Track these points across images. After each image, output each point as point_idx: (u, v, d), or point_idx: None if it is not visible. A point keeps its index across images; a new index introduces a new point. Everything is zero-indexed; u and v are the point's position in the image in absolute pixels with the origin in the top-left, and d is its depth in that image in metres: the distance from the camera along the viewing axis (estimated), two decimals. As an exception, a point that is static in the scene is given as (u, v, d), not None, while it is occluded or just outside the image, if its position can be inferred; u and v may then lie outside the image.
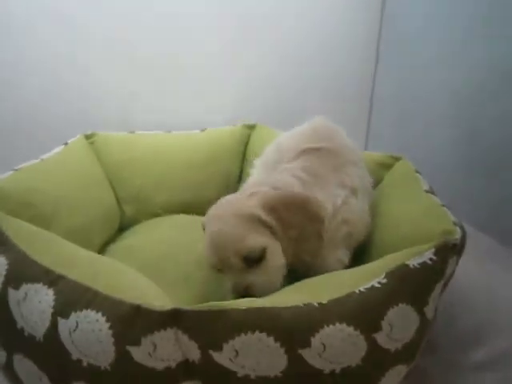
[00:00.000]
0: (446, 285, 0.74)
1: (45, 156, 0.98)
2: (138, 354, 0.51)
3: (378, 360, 0.57)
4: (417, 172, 0.95)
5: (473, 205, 1.22)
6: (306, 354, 0.52)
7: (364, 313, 0.56)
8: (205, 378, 0.54)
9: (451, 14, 1.28)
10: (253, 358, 0.51)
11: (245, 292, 0.67)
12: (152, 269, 0.78)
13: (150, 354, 0.51)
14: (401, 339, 0.58)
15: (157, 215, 1.14)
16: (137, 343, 0.51)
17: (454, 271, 0.74)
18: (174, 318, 0.51)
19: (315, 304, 0.56)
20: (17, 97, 1.31)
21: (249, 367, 0.52)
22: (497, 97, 1.16)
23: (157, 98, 1.42)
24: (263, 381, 0.53)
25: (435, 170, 1.30)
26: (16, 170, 0.87)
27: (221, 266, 0.70)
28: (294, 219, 0.71)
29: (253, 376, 0.52)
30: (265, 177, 0.90)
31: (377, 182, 1.01)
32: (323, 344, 0.53)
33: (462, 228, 0.74)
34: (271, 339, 0.51)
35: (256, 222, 0.69)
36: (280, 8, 1.44)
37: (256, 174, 0.99)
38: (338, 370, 0.54)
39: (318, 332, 0.53)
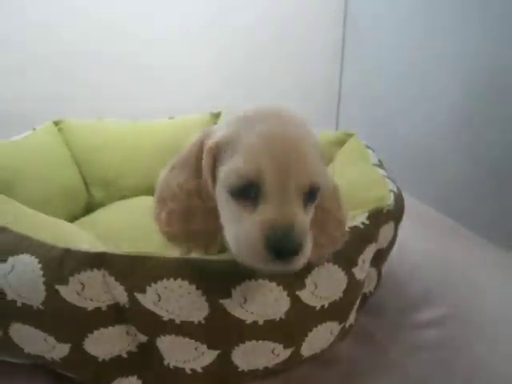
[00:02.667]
0: (385, 254, 0.78)
1: (13, 138, 1.04)
2: (67, 292, 0.55)
3: (302, 316, 0.60)
4: (367, 147, 0.99)
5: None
6: (225, 303, 0.55)
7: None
8: (136, 322, 0.58)
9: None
10: (175, 303, 0.55)
11: (298, 237, 0.47)
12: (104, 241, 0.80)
13: (78, 293, 0.55)
14: (326, 297, 0.61)
15: (125, 198, 1.19)
16: (65, 282, 0.54)
17: (394, 239, 0.78)
18: (100, 260, 0.55)
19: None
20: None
21: (171, 312, 0.55)
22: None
23: (126, 88, 1.46)
24: (188, 326, 0.56)
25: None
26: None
27: (270, 185, 0.48)
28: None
29: (177, 321, 0.56)
30: None
31: (331, 160, 1.04)
32: (244, 297, 0.56)
33: (399, 196, 0.78)
34: (193, 287, 0.55)
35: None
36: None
37: None
38: (261, 322, 0.57)
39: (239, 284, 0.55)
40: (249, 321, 0.57)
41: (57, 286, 0.55)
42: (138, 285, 0.54)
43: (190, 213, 0.55)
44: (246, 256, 0.48)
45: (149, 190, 1.20)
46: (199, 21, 1.48)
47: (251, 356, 0.59)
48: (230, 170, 0.49)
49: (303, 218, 0.49)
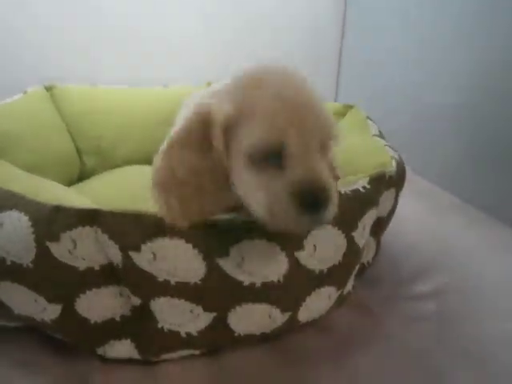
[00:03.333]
0: (386, 221, 0.77)
1: (3, 101, 1.00)
2: (58, 250, 0.53)
3: (300, 279, 0.59)
4: (368, 118, 0.97)
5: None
6: (222, 262, 0.54)
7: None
8: (129, 283, 0.56)
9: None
10: (170, 263, 0.53)
11: (327, 189, 0.48)
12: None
13: (69, 251, 0.53)
14: (325, 260, 0.60)
15: (118, 167, 1.16)
16: (56, 239, 0.52)
17: (394, 206, 0.77)
18: (93, 217, 0.53)
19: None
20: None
21: (167, 271, 0.53)
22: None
23: (122, 57, 1.42)
24: (183, 287, 0.54)
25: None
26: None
27: (292, 145, 0.48)
28: None
29: (173, 282, 0.54)
30: None
31: None
32: (242, 257, 0.54)
33: (400, 163, 0.76)
34: (189, 246, 0.53)
35: None
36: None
37: None
38: (258, 284, 0.56)
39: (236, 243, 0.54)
40: (246, 282, 0.55)
41: (47, 243, 0.52)
42: (133, 243, 0.52)
43: (204, 195, 0.52)
44: (280, 219, 0.47)
45: (142, 160, 1.18)
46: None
47: (248, 320, 0.58)
48: (252, 139, 0.48)
49: (328, 173, 0.50)
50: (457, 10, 1.16)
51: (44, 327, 0.60)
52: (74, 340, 0.61)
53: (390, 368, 0.62)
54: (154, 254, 0.53)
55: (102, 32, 1.40)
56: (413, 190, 1.04)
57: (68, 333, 0.60)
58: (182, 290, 0.55)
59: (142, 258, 0.53)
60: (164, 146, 0.54)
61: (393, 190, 0.72)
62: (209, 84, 1.34)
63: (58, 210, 0.53)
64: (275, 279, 0.56)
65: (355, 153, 0.82)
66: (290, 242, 0.56)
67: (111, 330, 0.59)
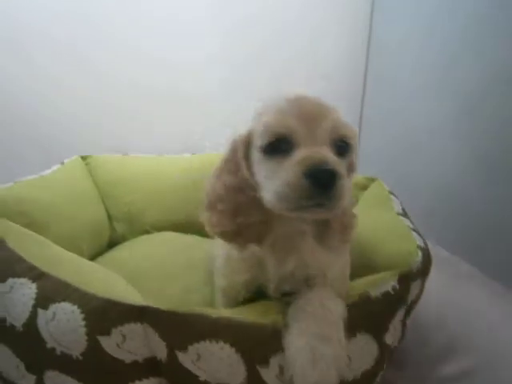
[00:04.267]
0: (410, 309, 0.77)
1: (43, 173, 1.06)
2: (108, 343, 0.55)
3: None
4: (391, 193, 0.98)
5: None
6: (262, 371, 0.55)
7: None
8: (171, 378, 0.58)
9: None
10: (213, 365, 0.55)
11: (321, 160, 0.50)
12: (134, 281, 0.78)
13: (118, 345, 0.56)
14: (360, 368, 0.60)
15: (147, 233, 1.20)
16: (107, 333, 0.55)
17: (421, 293, 0.76)
18: (144, 314, 0.56)
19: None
20: (16, 117, 1.35)
21: (209, 372, 0.55)
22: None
23: (150, 124, 1.50)
24: None
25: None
26: (16, 182, 0.94)
27: (298, 137, 0.52)
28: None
29: (213, 382, 0.56)
30: None
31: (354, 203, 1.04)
32: (280, 366, 0.55)
33: (426, 251, 0.76)
34: (233, 350, 0.55)
35: None
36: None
37: None
38: None
39: (276, 353, 0.55)
40: None
41: (98, 337, 0.55)
42: (181, 343, 0.55)
43: (238, 208, 0.57)
44: (288, 198, 0.50)
45: (171, 226, 1.21)
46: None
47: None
48: (261, 127, 0.54)
49: (336, 159, 0.52)
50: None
51: (84, 414, 0.62)
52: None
53: None
54: (199, 355, 0.54)
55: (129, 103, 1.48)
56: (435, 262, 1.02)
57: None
58: None
59: (187, 358, 0.55)
60: (213, 170, 0.63)
61: (419, 280, 0.72)
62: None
63: (110, 304, 0.57)
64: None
65: (381, 236, 0.83)
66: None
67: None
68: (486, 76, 1.14)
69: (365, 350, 0.60)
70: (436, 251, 1.23)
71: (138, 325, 0.55)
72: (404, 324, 0.79)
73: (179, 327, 0.55)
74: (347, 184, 0.51)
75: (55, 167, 1.11)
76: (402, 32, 1.51)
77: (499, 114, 1.10)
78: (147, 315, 0.56)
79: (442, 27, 1.30)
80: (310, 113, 0.52)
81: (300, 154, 0.50)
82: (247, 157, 0.58)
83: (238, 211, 0.58)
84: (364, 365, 0.61)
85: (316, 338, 0.54)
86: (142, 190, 1.23)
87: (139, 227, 1.20)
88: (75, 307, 0.57)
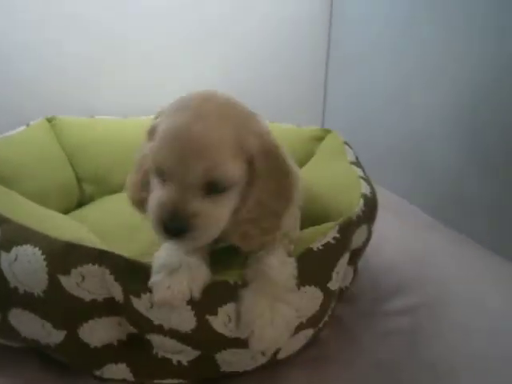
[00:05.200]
0: (360, 251, 0.81)
1: (7, 134, 1.06)
2: (68, 282, 0.59)
3: None
4: (345, 144, 1.03)
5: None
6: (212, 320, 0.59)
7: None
8: (128, 318, 0.62)
9: None
10: (165, 314, 0.59)
11: (182, 219, 0.53)
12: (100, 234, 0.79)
13: (77, 284, 0.60)
14: (305, 315, 0.65)
15: (114, 193, 1.23)
16: (67, 273, 0.59)
17: (369, 237, 0.81)
18: (102, 258, 0.60)
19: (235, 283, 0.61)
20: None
21: (161, 319, 0.59)
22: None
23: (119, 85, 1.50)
24: (175, 334, 0.60)
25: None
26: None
27: (169, 174, 0.54)
28: (274, 177, 0.59)
29: (166, 327, 0.60)
30: None
31: (310, 156, 1.10)
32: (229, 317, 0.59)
33: (371, 198, 0.80)
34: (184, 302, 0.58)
35: (243, 148, 0.56)
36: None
37: None
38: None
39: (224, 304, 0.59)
40: (232, 336, 0.60)
41: (59, 276, 0.59)
42: (135, 289, 0.59)
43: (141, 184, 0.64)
44: (154, 227, 0.55)
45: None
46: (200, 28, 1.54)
47: (233, 360, 0.64)
48: (146, 153, 0.58)
49: (199, 205, 0.54)
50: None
51: (46, 350, 0.67)
52: (74, 362, 0.67)
53: (361, 380, 0.68)
54: (152, 304, 0.58)
55: (99, 61, 1.47)
56: (390, 208, 1.05)
57: (69, 355, 0.67)
58: (175, 334, 0.60)
59: (141, 305, 0.59)
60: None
61: (364, 226, 0.76)
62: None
63: (71, 246, 0.60)
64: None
65: (329, 186, 0.87)
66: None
67: (109, 354, 0.66)
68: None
69: (310, 299, 0.64)
70: (392, 198, 1.30)
71: (97, 267, 0.59)
72: (355, 268, 0.84)
73: (134, 274, 0.59)
74: (220, 216, 0.56)
75: (20, 128, 1.11)
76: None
77: (470, 63, 1.10)
78: (105, 259, 0.60)
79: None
80: (185, 153, 0.52)
81: (163, 195, 0.54)
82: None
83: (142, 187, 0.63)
84: (310, 312, 0.65)
85: (275, 300, 0.58)
86: (108, 154, 1.24)
87: (107, 188, 1.23)
88: (36, 249, 0.61)
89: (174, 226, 0.53)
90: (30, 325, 0.63)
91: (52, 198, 1.01)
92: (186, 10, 1.51)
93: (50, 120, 1.22)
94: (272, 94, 1.63)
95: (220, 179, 0.54)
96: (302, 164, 1.08)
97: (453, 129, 1.18)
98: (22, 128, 1.12)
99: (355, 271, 0.84)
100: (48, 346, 0.65)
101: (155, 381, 0.66)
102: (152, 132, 0.59)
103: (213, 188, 0.54)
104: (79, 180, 1.20)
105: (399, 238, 1.09)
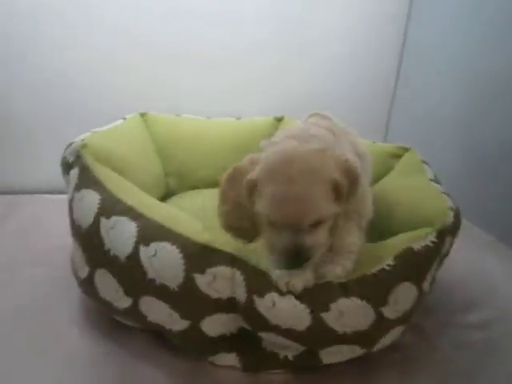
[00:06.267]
0: (441, 261, 0.85)
1: (107, 127, 1.13)
2: (201, 281, 0.67)
3: (381, 326, 0.70)
4: (423, 162, 1.07)
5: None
6: (326, 316, 0.66)
7: (376, 291, 0.68)
8: (246, 317, 0.69)
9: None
10: (282, 313, 0.65)
11: (297, 252, 0.65)
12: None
13: (209, 283, 0.67)
14: (402, 310, 0.71)
15: (196, 188, 1.31)
16: (201, 272, 0.67)
17: (449, 249, 0.85)
18: (234, 262, 0.68)
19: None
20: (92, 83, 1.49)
21: (280, 319, 0.66)
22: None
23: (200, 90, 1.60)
24: (291, 332, 0.67)
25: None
26: (92, 132, 1.02)
27: (281, 225, 0.66)
28: (352, 191, 0.70)
29: (283, 327, 0.66)
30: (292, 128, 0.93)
31: (387, 171, 1.15)
32: (340, 311, 0.66)
33: (457, 211, 0.84)
34: (298, 302, 0.66)
35: (331, 185, 0.66)
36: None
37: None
38: (349, 332, 0.67)
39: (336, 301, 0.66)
40: (340, 331, 0.67)
41: (194, 275, 0.67)
42: (258, 290, 0.66)
43: (240, 216, 0.71)
44: (279, 263, 0.67)
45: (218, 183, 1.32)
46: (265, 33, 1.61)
47: (336, 354, 0.72)
48: (259, 209, 0.66)
49: (311, 238, 0.66)
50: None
51: (168, 334, 0.75)
52: (190, 348, 0.76)
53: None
54: (274, 303, 0.66)
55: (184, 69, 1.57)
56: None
57: (188, 342, 0.75)
58: (291, 334, 0.67)
59: (262, 304, 0.66)
60: (227, 174, 0.73)
61: (450, 237, 0.80)
62: (276, 119, 1.49)
63: (208, 249, 0.69)
64: (364, 328, 0.68)
65: (416, 198, 0.92)
66: (375, 297, 0.68)
67: (223, 344, 0.74)
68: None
69: (407, 295, 0.70)
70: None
71: (229, 269, 0.67)
72: (433, 277, 0.89)
73: (261, 277, 0.68)
74: (325, 239, 0.68)
75: (118, 122, 1.18)
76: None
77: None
78: (237, 263, 0.68)
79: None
80: (292, 213, 0.64)
81: (283, 240, 0.65)
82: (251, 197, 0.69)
83: (240, 218, 0.71)
84: (406, 306, 0.71)
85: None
86: (193, 151, 1.33)
87: (189, 183, 1.32)
88: (174, 247, 0.69)
89: (301, 262, 0.66)
90: (158, 312, 0.72)
91: (150, 189, 1.09)
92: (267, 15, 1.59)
93: (142, 115, 1.31)
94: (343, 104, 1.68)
95: (321, 219, 0.66)
96: (379, 179, 1.13)
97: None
98: (119, 121, 1.19)
99: (433, 280, 0.89)
100: (171, 331, 0.73)
101: (261, 370, 0.74)
102: (251, 188, 0.68)
103: (314, 224, 0.66)
104: (164, 174, 1.29)
105: (465, 257, 1.13)
